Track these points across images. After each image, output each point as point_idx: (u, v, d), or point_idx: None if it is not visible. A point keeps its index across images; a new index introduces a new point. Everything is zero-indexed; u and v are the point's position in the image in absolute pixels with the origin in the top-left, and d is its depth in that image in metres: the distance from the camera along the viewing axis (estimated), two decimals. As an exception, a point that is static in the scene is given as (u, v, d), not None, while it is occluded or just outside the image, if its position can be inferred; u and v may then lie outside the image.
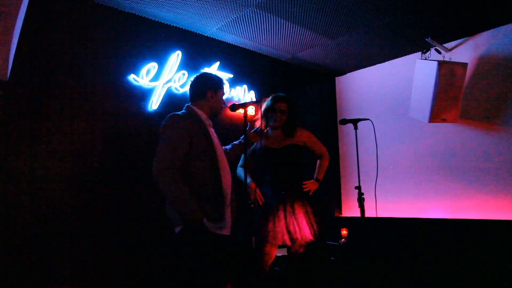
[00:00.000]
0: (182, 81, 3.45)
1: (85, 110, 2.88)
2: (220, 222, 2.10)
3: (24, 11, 2.20)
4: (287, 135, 2.78)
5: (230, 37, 3.78)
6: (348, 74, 5.00)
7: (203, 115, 2.25)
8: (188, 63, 3.51)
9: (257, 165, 2.84)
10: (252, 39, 3.82)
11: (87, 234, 2.77)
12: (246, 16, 3.34)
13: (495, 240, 3.34)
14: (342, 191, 4.90)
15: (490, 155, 3.66)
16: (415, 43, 3.94)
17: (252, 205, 2.63)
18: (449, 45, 3.98)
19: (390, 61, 4.54)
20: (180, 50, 3.41)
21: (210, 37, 3.75)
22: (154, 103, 3.25)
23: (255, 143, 2.75)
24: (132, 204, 3.00)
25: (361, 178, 2.70)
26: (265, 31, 3.64)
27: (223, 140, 2.40)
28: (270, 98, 2.81)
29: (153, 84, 3.26)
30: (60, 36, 2.82)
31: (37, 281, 2.52)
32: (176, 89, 3.42)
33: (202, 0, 3.04)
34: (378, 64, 4.66)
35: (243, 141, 2.54)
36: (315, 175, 2.86)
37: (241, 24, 3.49)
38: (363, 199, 2.62)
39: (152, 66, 3.25)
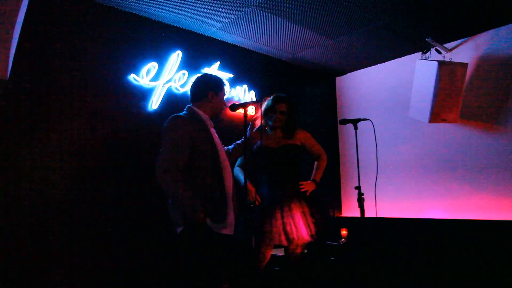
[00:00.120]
0: (182, 81, 3.45)
1: (85, 110, 2.88)
2: (223, 222, 2.11)
3: (24, 11, 2.20)
4: (286, 135, 2.78)
5: (230, 37, 3.78)
6: (348, 74, 5.00)
7: (204, 116, 2.26)
8: (188, 63, 3.51)
9: (255, 164, 2.84)
10: (252, 39, 3.82)
11: (87, 234, 2.77)
12: (246, 16, 3.34)
13: (495, 240, 3.34)
14: (342, 191, 4.90)
15: (490, 155, 3.66)
16: (415, 43, 3.94)
17: (252, 205, 2.64)
18: (449, 45, 3.98)
19: (390, 61, 4.54)
20: (180, 49, 3.41)
21: (210, 37, 3.75)
22: (154, 103, 3.25)
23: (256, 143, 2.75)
24: (132, 204, 3.00)
25: (361, 178, 2.70)
26: (265, 31, 3.64)
27: (223, 140, 2.40)
28: (270, 98, 2.82)
29: (153, 84, 3.26)
30: (59, 35, 2.81)
31: (37, 281, 2.52)
32: (176, 89, 3.42)
33: (202, 0, 3.04)
34: (378, 64, 4.66)
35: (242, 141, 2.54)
36: (312, 176, 2.87)
37: (241, 24, 3.49)
38: (363, 199, 2.62)
39: (152, 65, 3.25)
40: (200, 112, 2.26)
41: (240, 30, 3.61)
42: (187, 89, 3.46)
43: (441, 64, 3.51)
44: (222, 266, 2.15)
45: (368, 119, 2.83)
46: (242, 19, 3.39)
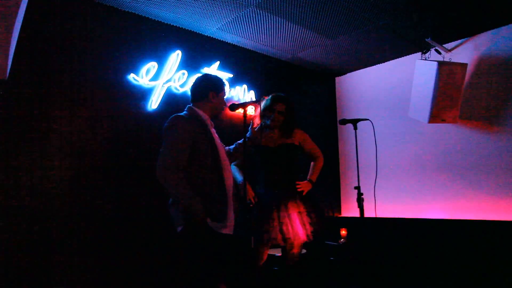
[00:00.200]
0: (182, 81, 3.45)
1: (85, 110, 2.88)
2: (223, 222, 2.12)
3: (24, 10, 2.20)
4: (284, 135, 2.79)
5: (230, 37, 3.78)
6: (348, 74, 5.00)
7: (204, 116, 2.27)
8: (188, 63, 3.51)
9: (252, 163, 2.84)
10: (252, 39, 3.82)
11: (88, 234, 2.77)
12: (246, 16, 3.34)
13: (495, 240, 3.34)
14: (342, 191, 4.90)
15: (490, 155, 3.66)
16: (415, 44, 3.94)
17: (251, 205, 2.64)
18: (449, 45, 3.98)
19: (390, 61, 4.54)
20: (180, 49, 3.41)
21: (210, 36, 3.75)
22: (153, 103, 3.25)
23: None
24: (132, 204, 3.00)
25: (360, 178, 2.70)
26: (265, 31, 3.64)
27: (223, 140, 2.41)
28: (269, 97, 2.82)
29: (152, 83, 3.26)
30: (59, 35, 2.81)
31: (37, 281, 2.52)
32: (176, 88, 3.42)
33: (202, -1, 3.04)
34: (378, 64, 4.66)
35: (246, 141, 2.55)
36: (308, 176, 2.87)
37: (241, 24, 3.49)
38: (363, 199, 2.63)
39: (152, 65, 3.25)
40: (201, 112, 2.27)
41: (239, 30, 3.61)
42: (187, 89, 3.47)
43: (441, 64, 3.51)
44: (221, 266, 2.15)
45: (367, 119, 2.83)
46: (242, 19, 3.39)
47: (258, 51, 4.15)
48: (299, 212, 2.62)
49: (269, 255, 3.07)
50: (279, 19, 3.39)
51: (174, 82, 3.40)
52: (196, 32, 3.64)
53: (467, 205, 3.77)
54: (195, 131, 2.13)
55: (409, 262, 3.71)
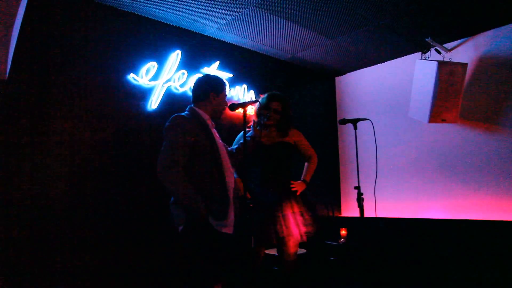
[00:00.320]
0: (181, 81, 3.44)
1: (85, 110, 2.88)
2: (224, 220, 2.12)
3: (23, 10, 2.20)
4: (280, 133, 2.79)
5: (230, 37, 3.78)
6: (348, 74, 5.00)
7: (205, 116, 2.28)
8: (188, 63, 3.51)
9: (248, 161, 2.84)
10: (252, 39, 3.82)
11: (88, 234, 2.77)
12: (246, 16, 3.34)
13: (495, 240, 3.34)
14: (342, 191, 4.90)
15: (490, 155, 3.66)
16: (415, 43, 3.94)
17: (251, 205, 2.64)
18: (449, 45, 3.98)
19: (390, 61, 4.54)
20: (179, 49, 3.41)
21: (209, 36, 3.74)
22: (153, 103, 3.25)
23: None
24: (132, 203, 3.00)
25: (360, 178, 2.71)
26: (265, 31, 3.64)
27: (222, 140, 2.41)
28: (265, 96, 2.83)
29: (152, 83, 3.26)
30: (59, 35, 2.81)
31: (37, 281, 2.52)
32: (175, 88, 3.42)
33: (202, -1, 3.04)
34: (378, 64, 4.66)
35: (247, 141, 2.56)
36: (302, 176, 2.87)
37: (241, 24, 3.49)
38: (363, 199, 2.63)
39: (152, 65, 3.25)
40: (201, 113, 2.28)
41: (239, 30, 3.61)
42: (187, 88, 3.47)
43: (441, 64, 3.51)
44: (221, 265, 2.16)
45: (367, 119, 2.83)
46: (241, 18, 3.39)
47: (258, 51, 4.15)
48: (293, 213, 2.63)
49: (269, 255, 3.07)
50: (279, 19, 3.38)
51: (174, 82, 3.40)
52: (196, 32, 3.63)
53: (467, 205, 3.77)
54: (196, 131, 2.14)
55: (409, 261, 3.71)
